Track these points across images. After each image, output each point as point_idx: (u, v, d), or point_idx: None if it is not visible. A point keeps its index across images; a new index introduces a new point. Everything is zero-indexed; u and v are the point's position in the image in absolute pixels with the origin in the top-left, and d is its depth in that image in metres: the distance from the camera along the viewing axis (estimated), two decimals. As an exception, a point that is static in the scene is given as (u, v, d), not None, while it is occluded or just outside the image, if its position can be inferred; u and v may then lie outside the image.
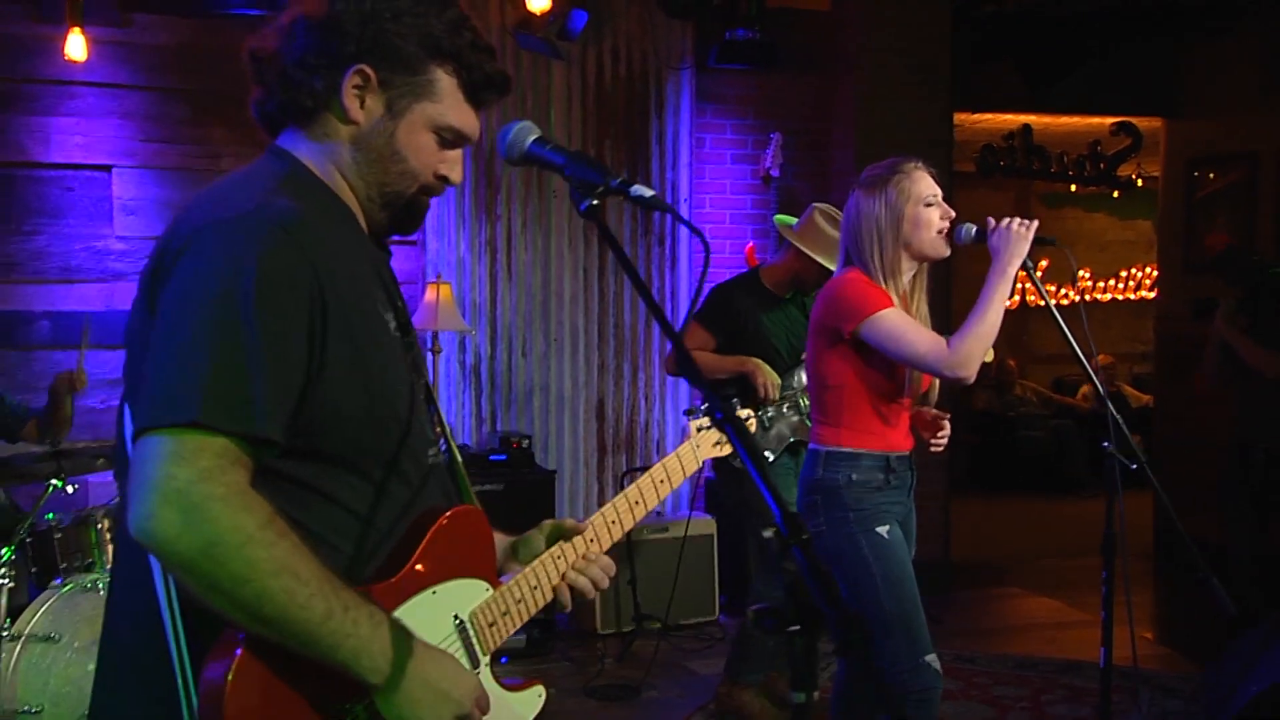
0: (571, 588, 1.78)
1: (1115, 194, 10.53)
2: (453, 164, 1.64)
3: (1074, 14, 6.62)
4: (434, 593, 1.59)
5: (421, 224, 1.70)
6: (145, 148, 5.63)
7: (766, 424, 4.38)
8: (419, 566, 1.57)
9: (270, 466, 1.43)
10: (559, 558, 1.77)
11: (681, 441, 2.02)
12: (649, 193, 1.53)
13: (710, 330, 4.41)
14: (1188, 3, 6.67)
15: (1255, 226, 6.99)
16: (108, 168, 5.59)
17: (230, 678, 1.35)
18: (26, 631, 3.81)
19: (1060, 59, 6.99)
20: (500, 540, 1.82)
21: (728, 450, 2.03)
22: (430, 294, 5.52)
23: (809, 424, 4.39)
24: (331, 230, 1.52)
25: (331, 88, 1.54)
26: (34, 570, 4.13)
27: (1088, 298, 11.33)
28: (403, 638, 1.45)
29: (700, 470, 2.09)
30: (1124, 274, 11.80)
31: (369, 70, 1.54)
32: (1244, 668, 4.07)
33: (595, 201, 1.49)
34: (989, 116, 8.13)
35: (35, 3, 5.24)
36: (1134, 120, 8.49)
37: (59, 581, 3.99)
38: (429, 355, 5.66)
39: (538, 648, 5.32)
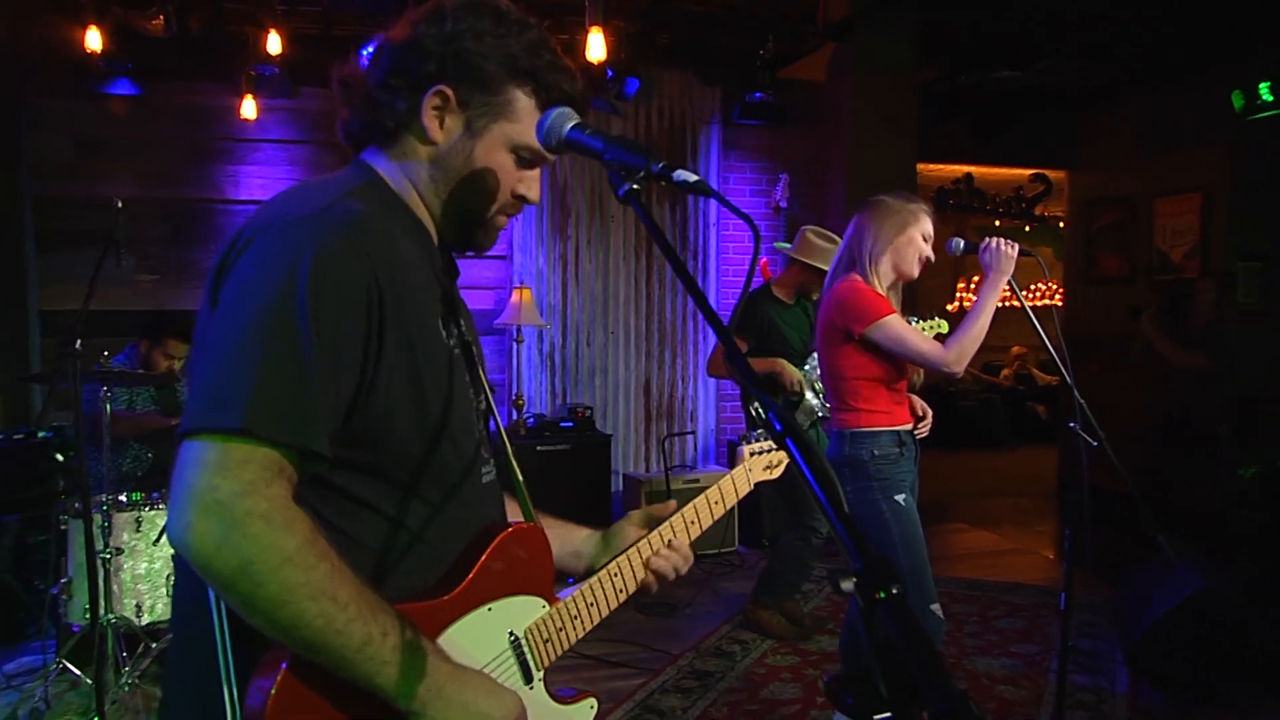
0: (655, 571, 1.38)
1: (1027, 228, 10.30)
2: (530, 183, 1.21)
3: (1003, 90, 6.68)
4: (489, 610, 1.17)
5: (495, 243, 1.25)
6: (306, 186, 5.43)
7: (792, 408, 4.10)
8: (475, 584, 1.16)
9: (319, 476, 1.04)
10: (615, 574, 1.34)
11: (736, 465, 1.59)
12: (693, 178, 1.03)
13: (742, 336, 4.09)
14: (1084, 84, 6.67)
15: (1134, 252, 7.03)
16: (278, 201, 5.40)
17: (273, 697, 0.97)
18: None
19: (995, 121, 7.10)
20: (592, 535, 1.42)
21: (777, 474, 1.63)
22: (515, 297, 5.35)
23: (824, 402, 4.08)
24: (398, 239, 1.11)
25: (412, 108, 1.15)
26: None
27: (1007, 304, 11.09)
28: (439, 663, 1.05)
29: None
30: (1032, 286, 11.66)
31: (448, 90, 1.14)
32: (1149, 589, 3.71)
33: (634, 186, 1.02)
34: (942, 166, 7.90)
35: (232, 81, 5.18)
36: (1046, 172, 8.36)
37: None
38: (514, 345, 5.41)
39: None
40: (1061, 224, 8.68)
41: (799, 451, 0.79)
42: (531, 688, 1.22)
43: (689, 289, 0.95)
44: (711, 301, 5.98)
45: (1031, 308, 2.73)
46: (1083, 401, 2.56)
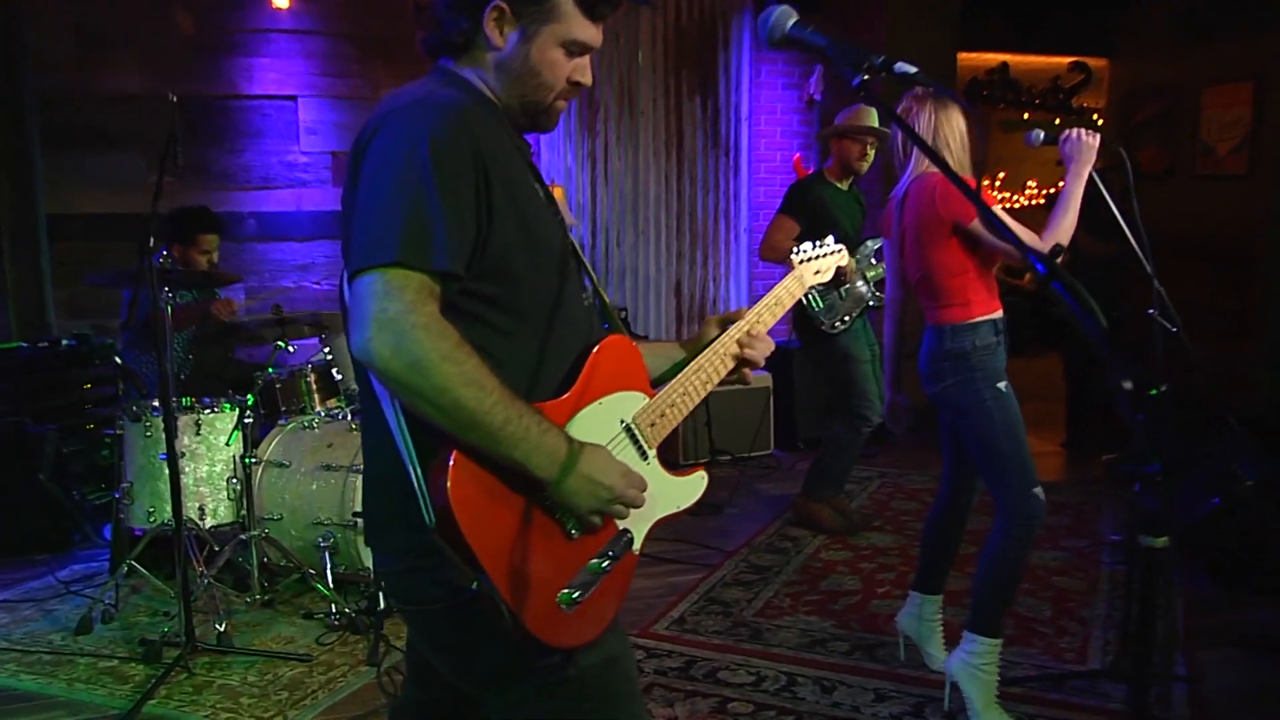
0: (744, 359, 1.66)
1: (1057, 120, 10.16)
2: (583, 69, 1.48)
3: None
4: (601, 404, 1.46)
5: (556, 124, 1.52)
6: (323, 81, 5.43)
7: (844, 295, 4.17)
8: (586, 384, 1.44)
9: (458, 305, 1.32)
10: (699, 370, 1.61)
11: (788, 273, 1.82)
12: (912, 69, 1.28)
13: (795, 219, 4.14)
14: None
15: (1176, 146, 6.86)
16: (294, 98, 5.40)
17: (451, 469, 1.26)
18: (265, 458, 3.68)
19: (1036, 6, 6.95)
20: (678, 344, 1.71)
21: (826, 278, 1.88)
22: (548, 196, 5.29)
23: (873, 290, 4.19)
24: (487, 119, 1.40)
25: (475, 24, 1.42)
26: (262, 412, 3.95)
27: (1038, 201, 10.96)
28: (563, 440, 1.32)
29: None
30: (1060, 184, 11.51)
31: (504, 5, 1.40)
32: (1201, 484, 3.89)
33: (866, 77, 1.25)
34: (976, 55, 7.79)
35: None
36: (1087, 60, 8.20)
37: (283, 421, 3.83)
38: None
39: (640, 473, 5.18)
40: (1096, 117, 8.62)
41: (1064, 287, 1.02)
42: (648, 462, 1.52)
43: (963, 190, 1.05)
44: (742, 196, 6.02)
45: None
46: (1161, 290, 2.65)
